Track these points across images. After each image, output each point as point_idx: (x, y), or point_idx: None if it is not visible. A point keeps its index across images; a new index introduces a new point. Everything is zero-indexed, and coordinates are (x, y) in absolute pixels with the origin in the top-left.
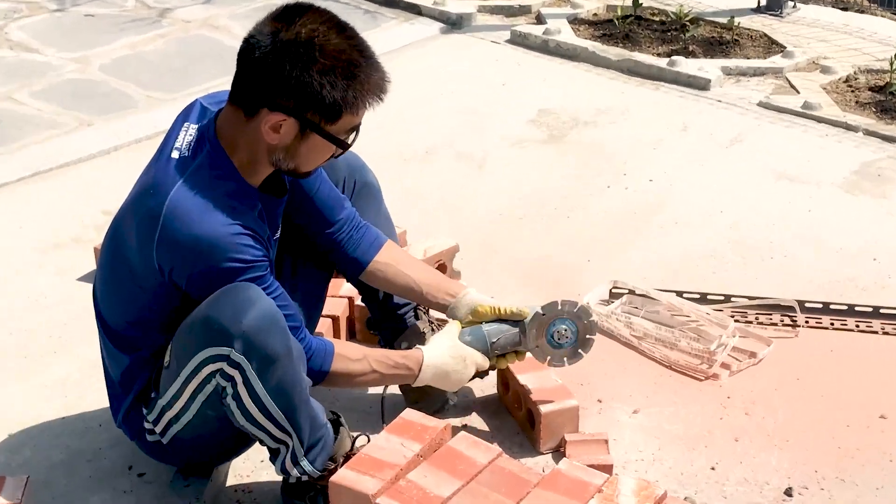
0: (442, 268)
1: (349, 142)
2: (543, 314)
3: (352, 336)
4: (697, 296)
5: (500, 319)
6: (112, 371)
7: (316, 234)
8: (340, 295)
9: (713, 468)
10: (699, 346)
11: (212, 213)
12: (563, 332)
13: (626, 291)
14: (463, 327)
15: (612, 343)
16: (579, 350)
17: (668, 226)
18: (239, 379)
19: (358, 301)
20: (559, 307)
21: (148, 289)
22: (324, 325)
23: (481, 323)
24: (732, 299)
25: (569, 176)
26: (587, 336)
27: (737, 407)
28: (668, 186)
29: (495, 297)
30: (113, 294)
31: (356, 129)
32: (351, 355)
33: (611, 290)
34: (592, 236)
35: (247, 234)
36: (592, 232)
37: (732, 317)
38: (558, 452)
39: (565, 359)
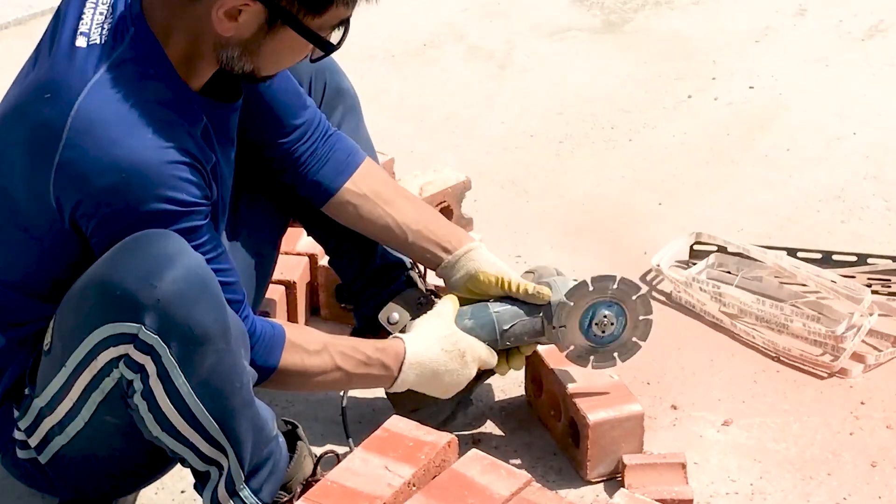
0: (446, 212)
1: (335, 42)
2: (576, 295)
3: (314, 312)
4: (818, 255)
5: (510, 298)
6: None
7: (264, 147)
8: (297, 252)
9: None
10: (820, 329)
11: (139, 130)
12: (606, 320)
13: (715, 249)
14: (461, 305)
15: (693, 323)
16: (632, 341)
17: (776, 153)
18: (151, 369)
19: (323, 260)
20: (594, 286)
21: (38, 235)
22: (274, 294)
23: (487, 301)
24: (870, 261)
25: (632, 81)
26: (639, 321)
27: (874, 417)
28: (775, 96)
29: (521, 258)
30: None
31: (345, 24)
32: (308, 345)
33: (692, 247)
34: (666, 169)
35: (185, 164)
36: (666, 162)
37: (869, 286)
38: (614, 481)
39: (615, 356)
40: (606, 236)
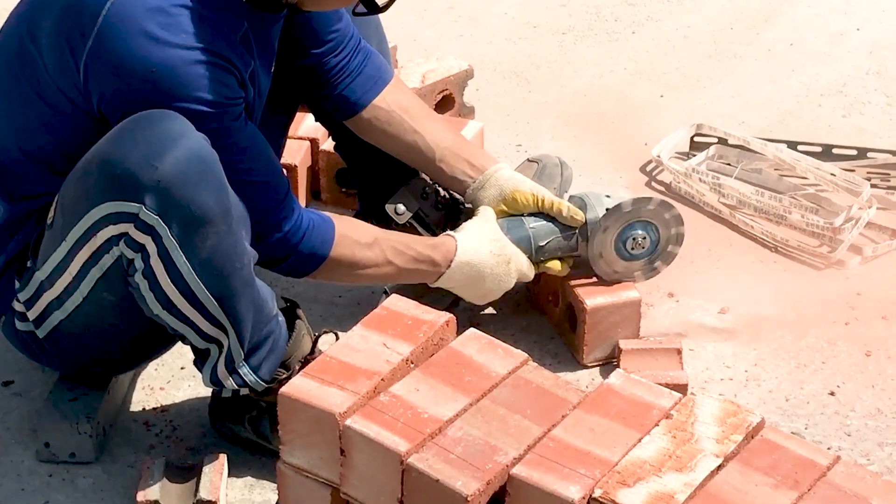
0: (448, 100)
1: (382, 4)
2: (609, 218)
3: (315, 196)
4: (818, 148)
5: (543, 214)
6: None
7: (295, 56)
8: (299, 136)
9: (833, 393)
10: (818, 221)
11: (174, 28)
12: (640, 239)
13: (715, 141)
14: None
15: (692, 213)
16: (657, 263)
17: (779, 47)
18: (152, 249)
19: (324, 145)
20: (632, 207)
21: (63, 112)
22: None
23: (521, 216)
24: (869, 155)
25: None
26: (670, 246)
27: (870, 308)
28: None
29: (522, 146)
30: (5, 109)
31: None
32: (360, 237)
33: (692, 139)
34: (668, 60)
35: (217, 66)
36: (669, 55)
37: (868, 179)
38: (609, 365)
39: (638, 273)
40: (607, 127)
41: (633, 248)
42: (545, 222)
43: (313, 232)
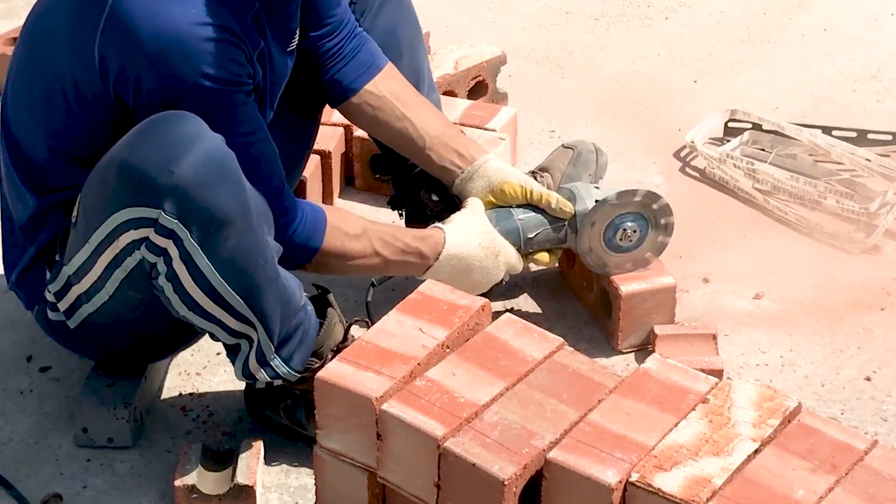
0: (481, 86)
1: None
2: (603, 206)
3: (349, 182)
4: (853, 134)
5: (530, 206)
6: (14, 213)
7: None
8: (333, 122)
9: (869, 378)
10: (854, 206)
11: (185, 3)
12: (630, 231)
13: (749, 126)
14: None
15: (726, 199)
16: (647, 254)
17: (813, 32)
18: (175, 252)
19: (358, 131)
20: (618, 201)
21: (82, 103)
22: (309, 164)
23: (509, 207)
24: None
25: None
26: (660, 237)
27: None
28: None
29: (555, 133)
30: (28, 105)
31: None
32: (348, 228)
33: (726, 124)
34: (701, 47)
35: (227, 42)
36: (702, 40)
37: None
38: (644, 351)
39: (629, 265)
40: (641, 113)
41: (622, 241)
42: (534, 214)
43: (306, 223)
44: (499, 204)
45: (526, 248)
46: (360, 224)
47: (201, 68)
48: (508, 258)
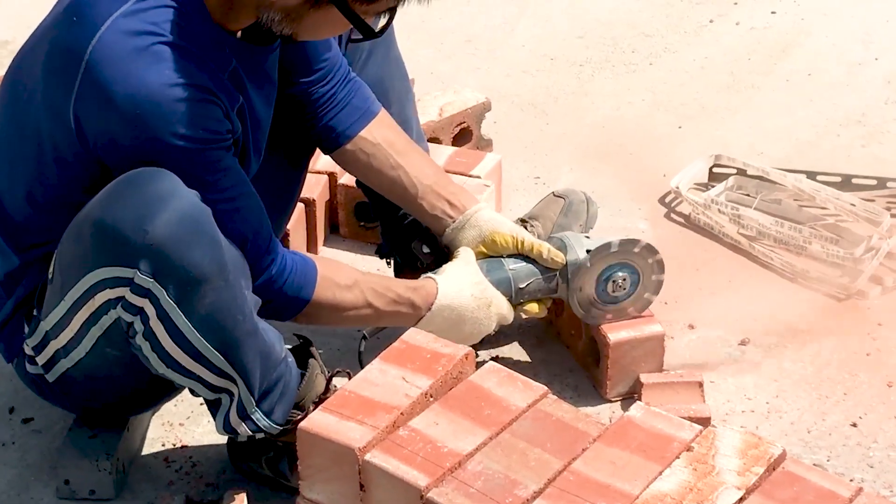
0: (466, 133)
1: (377, 29)
2: (594, 257)
3: (333, 230)
4: (838, 178)
5: (521, 256)
6: None
7: (283, 84)
8: (317, 170)
9: (855, 424)
10: (839, 252)
11: (156, 66)
12: (621, 280)
13: (734, 171)
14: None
15: (712, 244)
16: (630, 308)
17: (797, 78)
18: (151, 311)
19: (343, 179)
20: (615, 249)
21: (61, 161)
22: (294, 214)
23: (500, 257)
24: (889, 184)
25: (653, 4)
26: (646, 293)
27: (891, 338)
28: (797, 21)
29: (540, 179)
30: (9, 161)
31: (391, 12)
32: (339, 279)
33: (711, 169)
34: (686, 93)
35: (201, 101)
36: (686, 86)
37: (888, 209)
38: (631, 399)
39: (610, 316)
40: (626, 158)
41: (613, 291)
42: (525, 264)
43: (296, 274)
44: (489, 254)
45: (517, 299)
46: (351, 275)
47: (176, 129)
48: (500, 309)
